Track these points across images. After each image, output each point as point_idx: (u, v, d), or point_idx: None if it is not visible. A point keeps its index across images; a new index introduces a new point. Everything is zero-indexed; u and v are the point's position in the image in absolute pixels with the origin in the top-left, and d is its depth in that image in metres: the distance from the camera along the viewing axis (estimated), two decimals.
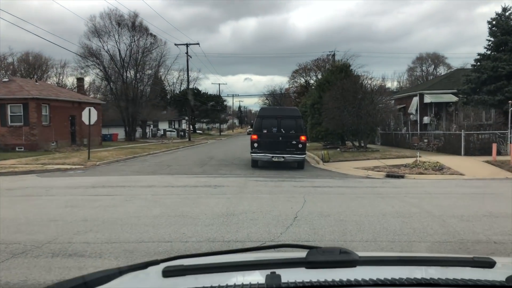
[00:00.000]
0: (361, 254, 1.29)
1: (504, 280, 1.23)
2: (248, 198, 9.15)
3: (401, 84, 79.40)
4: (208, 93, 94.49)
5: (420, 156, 16.37)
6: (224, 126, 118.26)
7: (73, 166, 17.73)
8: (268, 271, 1.27)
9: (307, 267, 1.24)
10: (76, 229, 6.26)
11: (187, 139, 53.58)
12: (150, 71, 50.78)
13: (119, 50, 46.18)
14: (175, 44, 51.99)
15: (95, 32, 44.54)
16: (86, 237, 5.80)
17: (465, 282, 1.23)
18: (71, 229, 6.27)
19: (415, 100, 27.36)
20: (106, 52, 45.43)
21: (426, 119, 26.59)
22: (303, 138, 16.56)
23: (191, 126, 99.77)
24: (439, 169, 14.73)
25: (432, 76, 74.49)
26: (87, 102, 33.31)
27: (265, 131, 16.80)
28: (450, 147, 19.34)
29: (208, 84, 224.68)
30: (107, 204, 8.48)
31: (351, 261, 1.24)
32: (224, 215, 7.25)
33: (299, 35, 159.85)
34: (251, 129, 67.21)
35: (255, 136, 16.94)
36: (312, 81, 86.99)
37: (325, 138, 24.31)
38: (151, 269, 1.36)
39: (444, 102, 26.68)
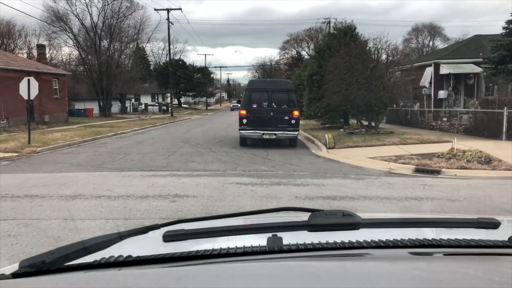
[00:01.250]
0: (363, 215, 1.26)
1: (506, 240, 1.23)
2: None
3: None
4: (195, 65, 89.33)
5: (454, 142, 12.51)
6: (212, 100, 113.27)
7: (3, 155, 13.59)
8: (269, 234, 1.27)
9: (309, 230, 1.23)
10: None
11: (170, 114, 49.25)
12: (127, 39, 45.77)
13: (90, 14, 41.10)
14: (155, 9, 47.36)
15: None
16: None
17: (467, 242, 1.24)
18: None
19: (429, 70, 23.38)
20: (76, 16, 40.34)
21: (442, 94, 22.73)
22: (296, 113, 15.35)
23: (176, 100, 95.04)
24: (487, 161, 10.92)
25: (428, 49, 70.41)
26: (47, 72, 28.69)
27: (254, 106, 15.60)
28: (484, 129, 15.48)
29: (197, 57, 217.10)
30: None
31: (354, 224, 1.22)
32: None
33: (290, 9, 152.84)
34: (236, 104, 56.23)
35: (243, 111, 15.65)
36: (304, 53, 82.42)
37: (325, 116, 20.33)
38: (151, 233, 1.33)
39: (463, 74, 22.79)
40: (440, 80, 23.08)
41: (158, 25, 68.47)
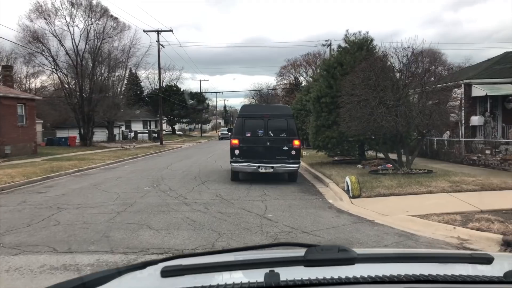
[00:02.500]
0: (359, 251, 1.29)
1: (502, 275, 1.25)
2: None
3: None
4: (190, 91, 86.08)
5: None
6: (208, 126, 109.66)
7: None
8: (267, 270, 1.28)
9: (306, 265, 1.25)
10: None
11: (159, 143, 45.20)
12: (112, 63, 42.18)
13: (71, 34, 37.60)
14: (144, 31, 43.84)
15: (40, 11, 35.89)
16: None
17: (463, 278, 1.25)
18: None
19: (458, 92, 19.53)
20: (55, 36, 36.80)
21: (476, 120, 18.80)
22: (296, 143, 13.41)
23: (170, 127, 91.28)
24: None
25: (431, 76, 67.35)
26: (9, 96, 24.73)
27: (248, 134, 13.53)
28: None
29: (193, 84, 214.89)
30: None
31: (350, 259, 1.25)
32: None
33: (288, 37, 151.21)
34: (226, 132, 46.33)
35: (235, 141, 13.58)
36: (302, 78, 79.34)
37: (338, 147, 16.30)
38: (149, 269, 1.39)
39: (500, 96, 18.97)
40: (472, 104, 19.21)
41: (149, 48, 64.87)
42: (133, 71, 70.71)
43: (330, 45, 48.14)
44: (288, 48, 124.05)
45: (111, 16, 39.63)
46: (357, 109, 12.26)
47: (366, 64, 12.85)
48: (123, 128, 63.83)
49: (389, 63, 14.79)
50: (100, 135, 55.67)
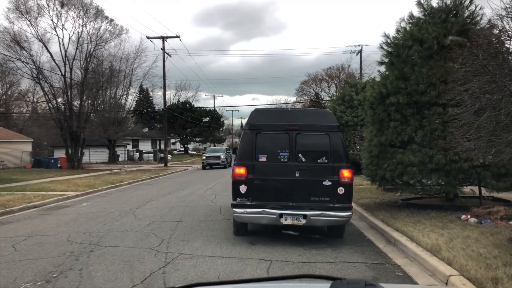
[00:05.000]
0: (386, 286, 1.25)
1: None
2: None
3: None
4: (203, 107, 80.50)
5: None
6: (223, 145, 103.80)
7: None
8: None
9: None
10: None
11: (163, 164, 38.96)
12: (108, 71, 36.50)
13: (59, 38, 32.10)
14: (147, 37, 38.30)
15: (22, 12, 30.56)
16: None
17: None
18: None
19: None
20: (40, 40, 31.34)
21: None
22: (346, 173, 7.32)
23: (182, 147, 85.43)
24: None
25: None
26: None
27: (263, 159, 7.58)
28: None
29: (209, 102, 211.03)
30: None
31: None
32: None
33: (308, 56, 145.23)
34: (212, 155, 32.03)
35: (241, 170, 7.56)
36: (324, 94, 72.61)
37: (426, 178, 9.48)
38: None
39: None
40: None
41: (157, 59, 59.57)
42: (144, 86, 65.63)
43: (361, 51, 41.57)
44: (309, 62, 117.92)
45: (107, 17, 34.11)
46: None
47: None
48: (129, 147, 58.24)
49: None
50: (100, 155, 49.99)
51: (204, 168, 33.18)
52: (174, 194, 15.45)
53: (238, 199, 7.41)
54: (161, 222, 9.46)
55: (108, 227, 9.00)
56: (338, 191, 7.20)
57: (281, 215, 7.18)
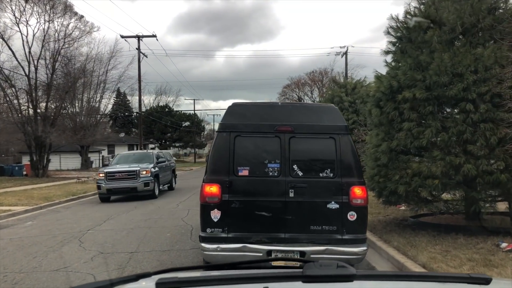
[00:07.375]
0: (359, 271, 1.24)
1: None
2: None
3: None
4: (183, 112, 77.94)
5: None
6: (204, 151, 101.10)
7: None
8: (263, 285, 1.24)
9: (303, 281, 1.20)
10: None
11: None
12: (78, 72, 33.88)
13: (22, 34, 29.41)
14: (122, 36, 35.75)
15: None
16: None
17: None
18: None
19: None
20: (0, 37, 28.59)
21: None
22: (359, 192, 5.13)
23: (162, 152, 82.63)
24: None
25: None
26: None
27: (243, 172, 5.30)
28: None
29: (191, 107, 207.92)
30: None
31: (349, 276, 1.20)
32: None
33: (292, 59, 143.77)
34: (123, 164, 17.14)
35: (213, 189, 5.24)
36: (306, 98, 70.92)
37: (436, 197, 7.52)
38: (142, 281, 1.32)
39: None
40: None
41: (132, 61, 56.78)
42: (121, 90, 62.82)
43: (346, 52, 39.90)
44: (293, 67, 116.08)
45: (76, 13, 31.55)
46: None
47: None
48: (104, 153, 55.41)
49: None
50: (72, 161, 47.12)
51: (102, 200, 16.06)
52: (140, 210, 13.16)
53: (208, 230, 5.28)
54: (110, 254, 7.22)
55: (35, 263, 6.72)
56: (349, 217, 5.16)
57: (269, 252, 5.10)
